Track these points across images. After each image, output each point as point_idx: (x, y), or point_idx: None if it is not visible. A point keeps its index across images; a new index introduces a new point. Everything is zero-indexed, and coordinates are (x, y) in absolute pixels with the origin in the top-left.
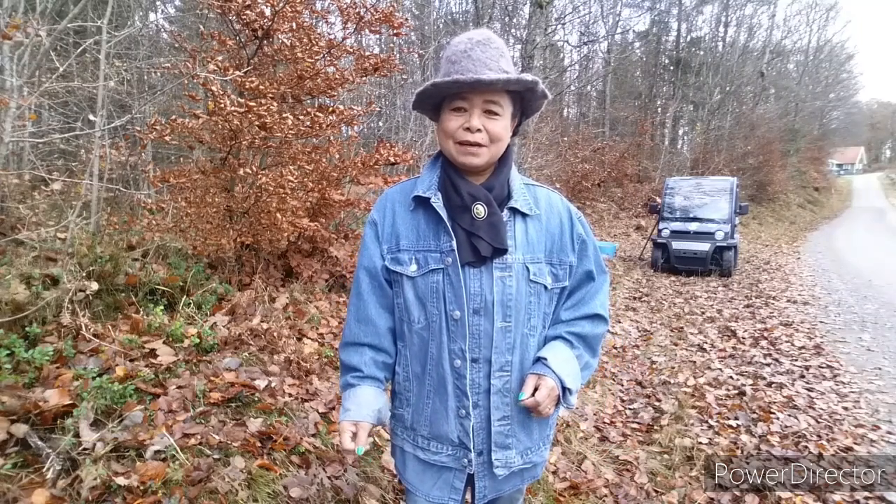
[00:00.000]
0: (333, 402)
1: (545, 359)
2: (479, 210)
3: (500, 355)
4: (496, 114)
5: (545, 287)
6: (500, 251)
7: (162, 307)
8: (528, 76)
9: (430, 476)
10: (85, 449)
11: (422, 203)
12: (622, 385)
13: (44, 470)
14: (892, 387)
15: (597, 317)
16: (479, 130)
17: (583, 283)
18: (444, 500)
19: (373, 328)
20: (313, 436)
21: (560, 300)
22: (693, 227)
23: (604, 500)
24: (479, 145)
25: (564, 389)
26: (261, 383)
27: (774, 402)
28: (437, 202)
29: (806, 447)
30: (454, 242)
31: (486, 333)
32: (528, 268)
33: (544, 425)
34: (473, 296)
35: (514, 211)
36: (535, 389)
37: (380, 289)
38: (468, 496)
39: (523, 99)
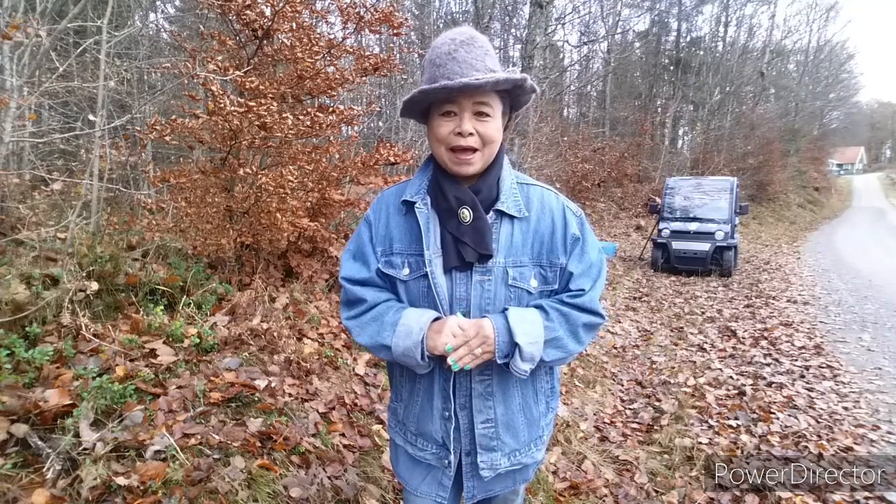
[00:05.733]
0: (333, 402)
1: (507, 309)
2: (465, 214)
3: None
4: (487, 115)
5: (528, 291)
6: (486, 256)
7: (162, 307)
8: (516, 74)
9: (419, 472)
10: (85, 449)
11: (411, 207)
12: (622, 385)
13: (44, 470)
14: (892, 387)
15: (587, 310)
16: (471, 134)
17: (570, 285)
18: (433, 496)
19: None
20: (313, 436)
21: None
22: (693, 227)
23: (604, 500)
24: (472, 150)
25: (515, 346)
26: (261, 383)
27: (774, 402)
28: (422, 208)
29: (806, 447)
30: (438, 249)
31: None
32: (507, 272)
33: (534, 427)
34: (459, 300)
35: (501, 214)
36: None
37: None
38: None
39: (511, 95)
